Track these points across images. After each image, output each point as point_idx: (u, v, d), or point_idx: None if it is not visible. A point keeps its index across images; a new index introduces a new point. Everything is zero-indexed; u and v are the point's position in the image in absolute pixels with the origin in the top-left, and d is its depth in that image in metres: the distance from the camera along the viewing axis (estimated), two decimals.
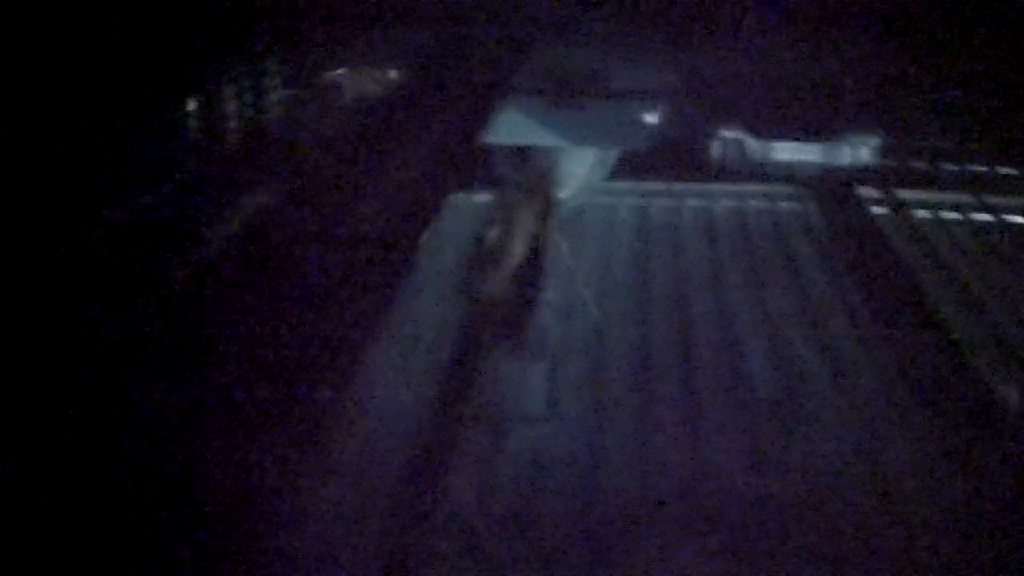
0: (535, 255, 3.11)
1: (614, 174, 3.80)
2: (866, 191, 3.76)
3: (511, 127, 3.95)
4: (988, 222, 3.54)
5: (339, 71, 4.23)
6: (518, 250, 3.09)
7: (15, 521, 1.76)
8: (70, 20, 3.01)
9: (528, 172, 3.72)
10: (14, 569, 1.66)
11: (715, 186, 3.80)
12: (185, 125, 3.62)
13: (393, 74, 4.34)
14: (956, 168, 3.82)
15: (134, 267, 2.74)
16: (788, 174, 3.85)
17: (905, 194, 3.73)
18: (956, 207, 3.62)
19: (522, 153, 3.81)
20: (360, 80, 4.26)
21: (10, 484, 1.84)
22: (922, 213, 3.60)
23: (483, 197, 3.55)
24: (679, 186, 3.80)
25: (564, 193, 3.57)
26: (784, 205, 3.70)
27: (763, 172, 3.87)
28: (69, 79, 2.98)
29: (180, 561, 1.76)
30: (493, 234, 3.20)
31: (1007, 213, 3.58)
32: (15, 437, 1.96)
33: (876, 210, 3.67)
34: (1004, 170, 3.80)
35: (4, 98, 2.73)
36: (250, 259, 3.00)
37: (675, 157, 3.90)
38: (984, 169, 3.81)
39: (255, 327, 2.59)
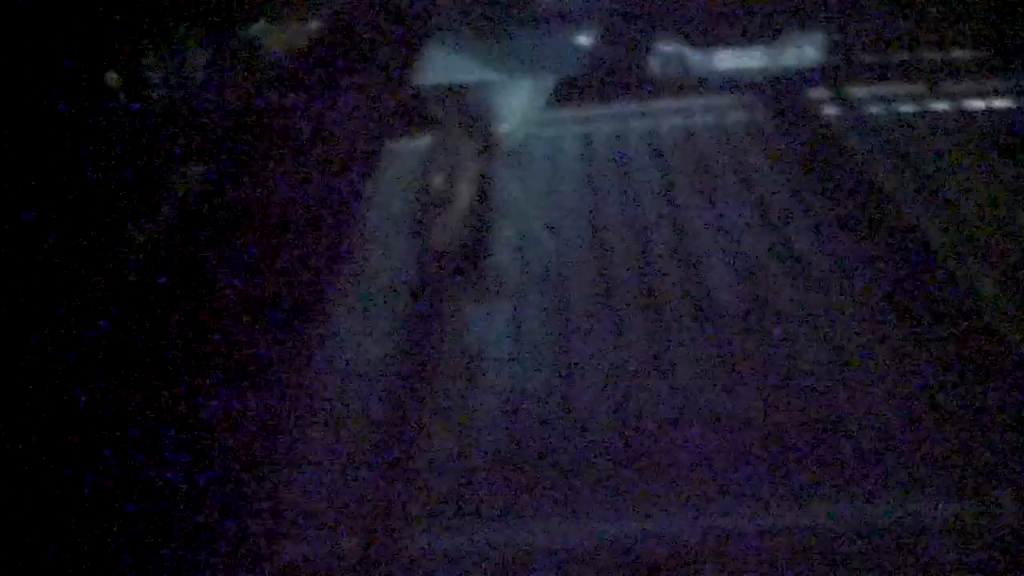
0: (482, 194, 3.04)
1: (553, 102, 3.72)
2: (816, 92, 3.71)
3: (441, 65, 3.84)
4: (945, 111, 3.52)
5: (258, 26, 4.07)
6: (464, 191, 3.03)
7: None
8: None
9: (464, 110, 3.63)
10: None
11: (659, 104, 3.74)
12: (107, 96, 3.47)
13: (314, 24, 4.19)
14: (907, 57, 3.77)
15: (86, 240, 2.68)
16: (733, 83, 3.79)
17: (856, 91, 3.69)
18: (910, 98, 3.59)
19: (456, 91, 3.72)
20: (281, 34, 4.11)
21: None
22: (876, 109, 3.57)
23: (422, 141, 3.46)
24: (622, 108, 3.73)
25: (504, 127, 3.49)
26: (732, 116, 3.64)
27: (707, 83, 3.81)
28: None
29: (163, 519, 1.78)
30: (437, 178, 3.13)
31: (964, 99, 3.55)
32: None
33: (828, 110, 3.63)
34: (957, 54, 3.75)
35: None
36: (193, 228, 2.92)
37: (614, 78, 3.82)
38: (937, 56, 3.76)
39: (207, 296, 2.54)
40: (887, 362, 2.19)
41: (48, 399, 2.04)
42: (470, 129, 3.44)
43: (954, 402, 2.03)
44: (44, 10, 2.94)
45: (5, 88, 2.77)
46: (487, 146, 3.32)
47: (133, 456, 1.94)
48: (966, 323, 2.28)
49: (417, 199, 3.09)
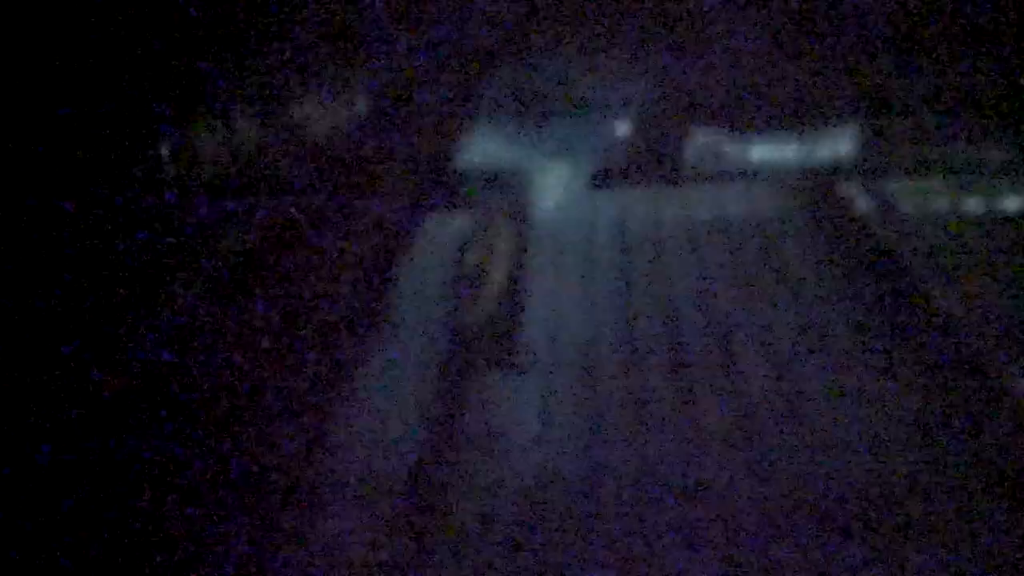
0: (516, 274, 3.07)
1: (590, 187, 3.76)
2: (849, 186, 3.72)
3: (481, 148, 3.92)
4: (974, 210, 3.51)
5: (307, 105, 4.18)
6: (498, 271, 3.05)
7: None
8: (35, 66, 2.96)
9: (502, 192, 3.68)
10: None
11: (694, 191, 3.77)
12: (161, 168, 3.56)
13: (361, 105, 4.30)
14: (939, 154, 3.77)
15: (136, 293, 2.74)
16: (767, 173, 3.81)
17: (890, 185, 3.69)
18: (940, 195, 3.59)
19: (494, 173, 3.78)
20: (328, 113, 4.22)
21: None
22: (909, 203, 3.57)
23: (459, 220, 3.51)
24: (657, 194, 3.76)
25: (540, 210, 3.54)
26: (766, 205, 3.66)
27: (741, 173, 3.83)
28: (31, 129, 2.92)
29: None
30: (471, 257, 3.16)
31: (993, 197, 3.54)
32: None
33: (860, 204, 3.63)
34: (991, 153, 3.75)
35: None
36: (235, 291, 2.97)
37: (651, 165, 3.87)
38: (969, 153, 3.76)
39: (242, 357, 2.56)
40: (921, 457, 2.16)
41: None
42: (508, 211, 3.48)
43: (979, 489, 2.00)
44: (99, 77, 3.04)
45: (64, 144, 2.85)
46: (522, 227, 3.36)
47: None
48: (1004, 428, 2.26)
49: (452, 276, 3.12)
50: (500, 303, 2.93)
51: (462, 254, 3.21)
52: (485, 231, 3.35)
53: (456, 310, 2.91)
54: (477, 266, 3.11)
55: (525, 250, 3.23)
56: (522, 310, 2.91)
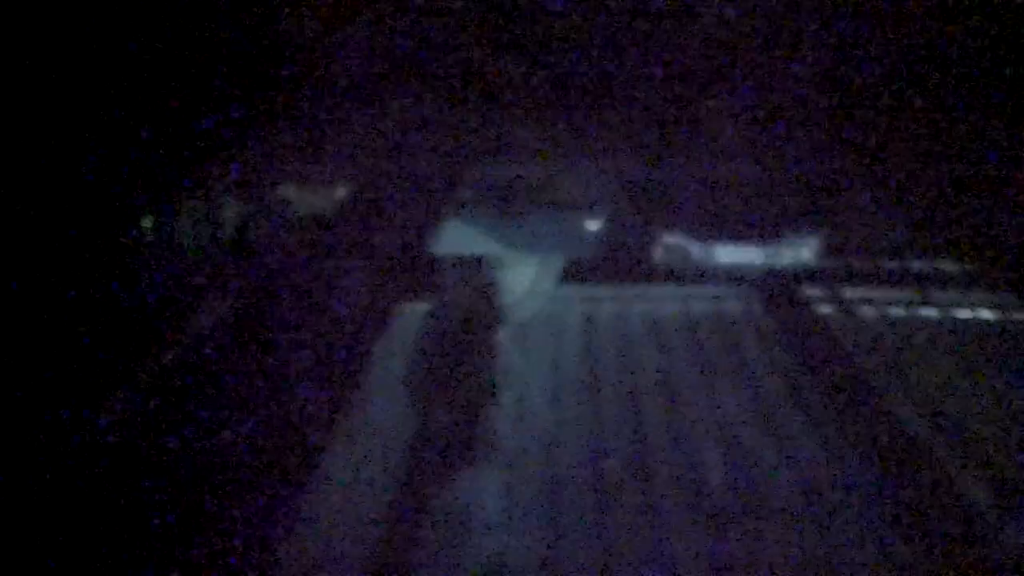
0: (484, 363, 3.12)
1: (560, 281, 3.85)
2: (811, 290, 3.85)
3: (456, 238, 4.00)
4: (933, 317, 3.63)
5: (287, 187, 4.26)
6: (468, 359, 3.10)
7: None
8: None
9: (474, 281, 3.75)
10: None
11: (661, 289, 3.86)
12: (139, 244, 3.61)
13: (340, 190, 4.39)
14: (899, 265, 3.92)
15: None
16: (732, 276, 3.93)
17: (850, 291, 3.82)
18: (901, 303, 3.72)
19: (467, 263, 3.85)
20: (308, 195, 4.30)
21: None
22: (868, 310, 3.69)
23: (430, 306, 3.57)
24: (625, 291, 3.86)
25: (511, 300, 3.60)
26: (730, 306, 3.77)
27: (707, 274, 3.94)
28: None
29: None
30: (442, 344, 3.21)
31: (952, 307, 3.67)
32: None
33: (822, 309, 3.75)
34: (946, 266, 3.91)
35: None
36: (204, 368, 2.99)
37: (619, 263, 3.97)
38: (927, 266, 3.91)
39: (209, 433, 2.57)
40: (881, 568, 2.20)
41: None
42: (478, 300, 3.54)
43: None
44: (81, 144, 3.11)
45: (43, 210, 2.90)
46: (493, 317, 3.42)
47: None
48: (957, 528, 2.31)
49: (420, 361, 3.16)
50: (468, 390, 2.97)
51: (432, 340, 3.26)
52: (457, 317, 3.41)
53: (424, 394, 2.95)
54: (447, 352, 3.15)
55: (495, 338, 3.28)
56: (491, 398, 2.96)
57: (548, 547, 2.24)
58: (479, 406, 2.92)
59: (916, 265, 3.93)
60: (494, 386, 3.03)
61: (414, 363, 3.19)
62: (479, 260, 3.85)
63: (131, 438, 2.61)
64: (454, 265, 3.84)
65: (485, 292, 3.63)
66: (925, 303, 3.70)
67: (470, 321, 3.37)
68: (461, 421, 2.85)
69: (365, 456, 2.62)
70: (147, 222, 3.48)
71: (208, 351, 3.09)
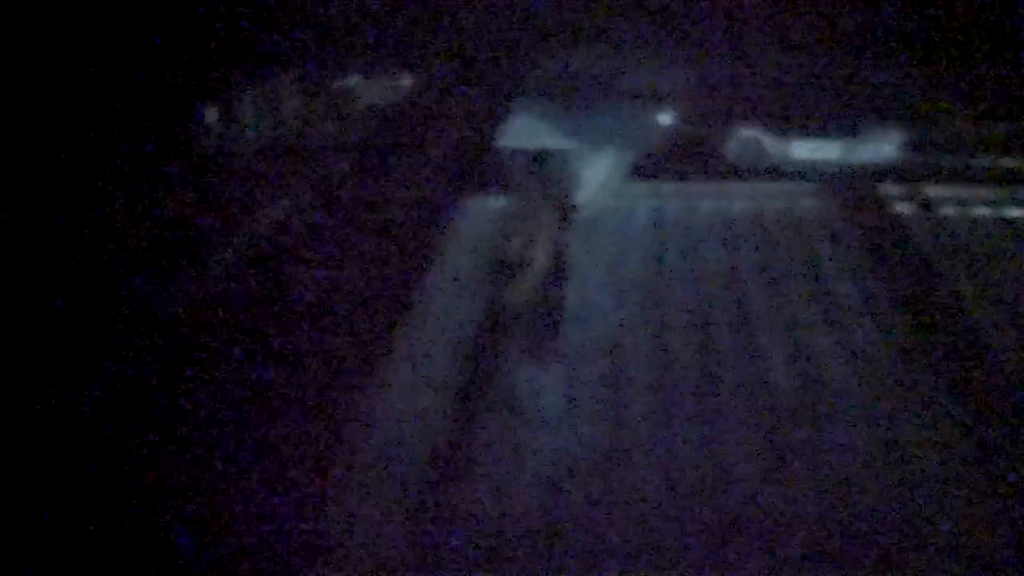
0: (555, 260, 3.08)
1: (630, 176, 3.76)
2: (889, 188, 3.69)
3: (524, 131, 3.93)
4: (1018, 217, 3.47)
5: (352, 79, 4.22)
6: (539, 256, 3.07)
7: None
8: (84, 25, 3.04)
9: (544, 177, 3.69)
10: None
11: (732, 186, 3.76)
12: (200, 134, 3.63)
13: (406, 81, 4.33)
14: (984, 163, 3.72)
15: (160, 272, 2.81)
16: (807, 172, 3.80)
17: (931, 191, 3.66)
18: (985, 203, 3.55)
19: (536, 157, 3.79)
20: (373, 88, 4.25)
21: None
22: (950, 210, 3.54)
23: (499, 202, 3.53)
24: (695, 187, 3.76)
25: (580, 197, 3.54)
26: (803, 205, 3.65)
27: (781, 171, 3.82)
28: (81, 86, 3.00)
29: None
30: (514, 242, 3.18)
31: None
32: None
33: (900, 208, 3.61)
34: None
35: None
36: (269, 265, 3.02)
37: (690, 157, 3.87)
38: (1018, 162, 3.70)
39: (273, 332, 2.61)
40: (940, 459, 2.16)
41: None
42: (548, 195, 3.49)
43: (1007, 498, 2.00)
44: (145, 41, 3.10)
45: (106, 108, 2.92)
46: (563, 213, 3.37)
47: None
48: (1012, 419, 2.26)
49: (492, 258, 3.14)
50: (539, 288, 2.95)
51: (504, 237, 3.23)
52: (528, 214, 3.37)
53: (496, 292, 2.94)
54: (519, 250, 3.12)
55: (565, 235, 3.24)
56: (561, 296, 2.93)
57: (607, 444, 2.24)
58: (550, 304, 2.90)
59: (1005, 162, 3.74)
60: (559, 281, 3.00)
61: (485, 260, 3.17)
62: (546, 153, 3.79)
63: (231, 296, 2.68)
64: (522, 159, 3.78)
65: (554, 188, 3.57)
66: (1014, 201, 3.53)
67: (541, 218, 3.33)
68: (529, 317, 2.84)
69: (429, 355, 2.64)
70: (211, 114, 3.48)
71: (273, 249, 3.11)
